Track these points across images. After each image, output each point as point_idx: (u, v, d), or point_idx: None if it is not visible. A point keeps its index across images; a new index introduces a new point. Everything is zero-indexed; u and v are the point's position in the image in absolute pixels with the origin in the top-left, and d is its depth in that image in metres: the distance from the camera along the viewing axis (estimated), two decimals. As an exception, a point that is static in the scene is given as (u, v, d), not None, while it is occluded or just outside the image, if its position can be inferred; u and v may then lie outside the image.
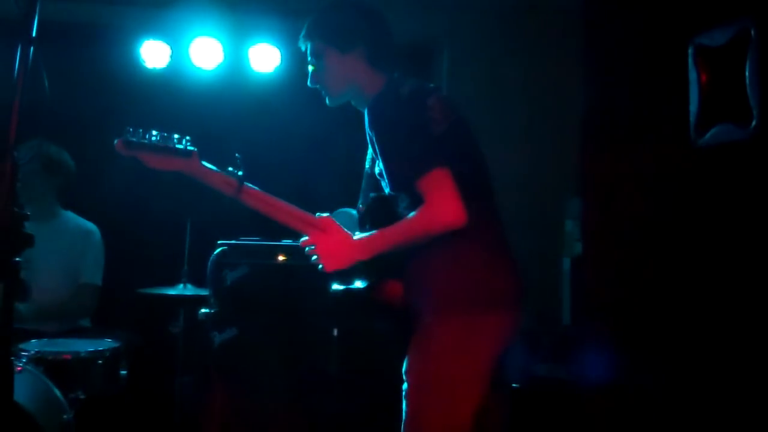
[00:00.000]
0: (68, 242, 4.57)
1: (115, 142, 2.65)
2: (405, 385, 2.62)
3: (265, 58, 5.16)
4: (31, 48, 2.14)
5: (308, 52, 2.88)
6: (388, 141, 2.60)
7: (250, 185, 2.78)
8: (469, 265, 2.60)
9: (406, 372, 2.62)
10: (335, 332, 4.02)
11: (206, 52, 5.07)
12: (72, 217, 4.66)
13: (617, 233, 2.74)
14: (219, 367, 4.10)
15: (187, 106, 4.93)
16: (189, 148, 2.72)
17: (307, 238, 2.77)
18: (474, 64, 5.45)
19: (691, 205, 2.43)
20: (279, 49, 5.16)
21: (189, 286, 4.31)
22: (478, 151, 2.76)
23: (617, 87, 2.78)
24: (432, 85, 2.79)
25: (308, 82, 2.91)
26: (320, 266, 2.73)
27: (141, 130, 2.66)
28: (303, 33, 2.88)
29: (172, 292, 4.28)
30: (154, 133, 2.68)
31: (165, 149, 2.69)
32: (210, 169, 2.76)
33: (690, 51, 2.39)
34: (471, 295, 2.58)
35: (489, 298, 2.59)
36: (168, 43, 5.03)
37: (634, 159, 2.67)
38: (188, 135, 2.76)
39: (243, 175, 2.76)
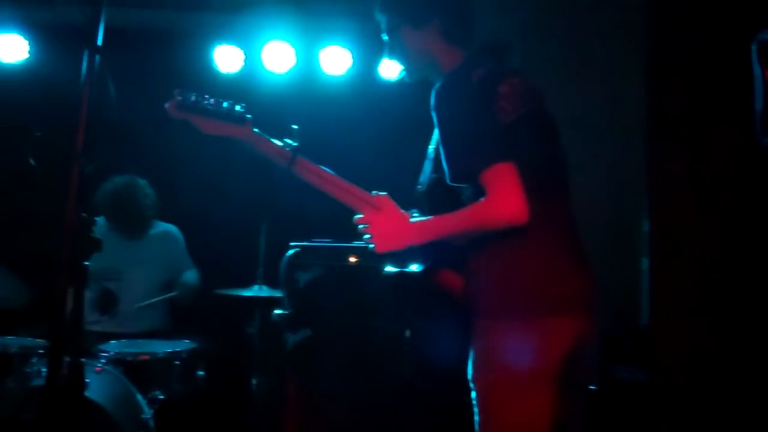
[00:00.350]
0: (156, 247, 4.73)
1: (166, 105, 2.60)
2: (473, 393, 2.53)
3: (337, 60, 5.17)
4: (97, 56, 2.17)
5: (382, 26, 2.75)
6: (449, 129, 2.48)
7: (305, 157, 2.68)
8: (529, 265, 2.47)
9: (472, 380, 2.53)
10: (408, 334, 3.96)
11: (278, 56, 5.12)
12: (155, 224, 4.81)
13: (682, 233, 2.65)
14: (293, 368, 4.08)
15: (260, 111, 4.89)
16: (244, 115, 2.67)
17: (361, 216, 2.66)
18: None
19: (757, 204, 2.34)
20: (350, 50, 5.17)
21: (264, 287, 4.36)
22: (552, 143, 2.58)
23: (681, 86, 2.70)
24: (514, 67, 2.61)
25: (385, 54, 2.80)
26: (371, 246, 2.61)
27: (195, 94, 2.61)
28: (378, 6, 2.74)
29: (247, 293, 4.32)
30: (207, 96, 2.62)
31: (219, 113, 2.62)
32: (264, 137, 2.70)
33: (754, 47, 2.28)
34: (530, 297, 2.46)
35: (550, 300, 2.45)
36: (241, 48, 5.09)
37: (698, 159, 2.59)
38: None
39: (298, 146, 2.67)
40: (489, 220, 2.42)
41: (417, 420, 3.85)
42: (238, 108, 2.64)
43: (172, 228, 4.83)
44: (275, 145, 2.69)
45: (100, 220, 4.64)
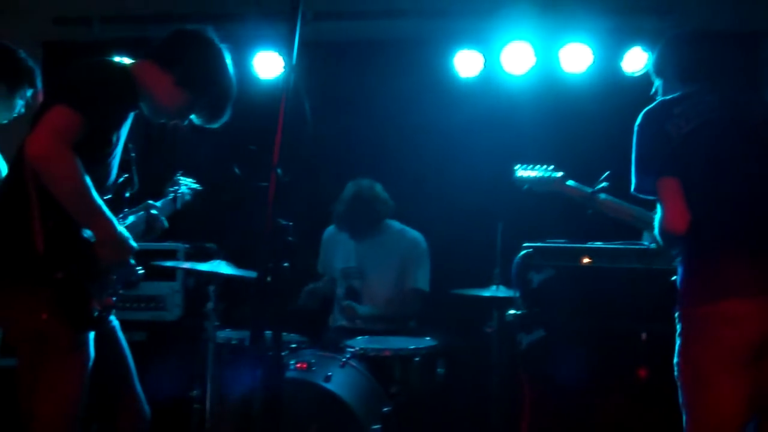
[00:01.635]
0: (397, 252, 4.87)
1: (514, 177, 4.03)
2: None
3: (577, 57, 5.09)
4: (292, 72, 2.40)
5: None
6: (634, 145, 2.86)
7: (603, 196, 3.71)
8: (693, 261, 2.76)
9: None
10: (644, 336, 3.87)
11: (518, 57, 5.12)
12: (398, 228, 4.95)
13: None
14: (527, 368, 4.11)
15: (500, 112, 5.03)
16: (554, 175, 3.95)
17: None
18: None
19: None
20: (591, 47, 5.07)
21: (501, 287, 4.37)
22: (721, 153, 2.78)
23: None
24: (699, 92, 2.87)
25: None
26: None
27: (526, 166, 3.98)
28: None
29: (485, 293, 4.36)
30: (532, 166, 3.99)
31: (542, 180, 3.96)
32: (571, 186, 3.88)
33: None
34: (695, 287, 2.73)
35: (713, 289, 2.68)
36: (480, 51, 5.15)
37: None
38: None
39: (598, 189, 3.74)
40: (659, 229, 2.80)
41: (651, 423, 3.76)
42: (550, 172, 3.94)
43: (418, 236, 4.93)
44: (578, 190, 3.87)
45: (330, 228, 4.96)
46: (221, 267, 3.90)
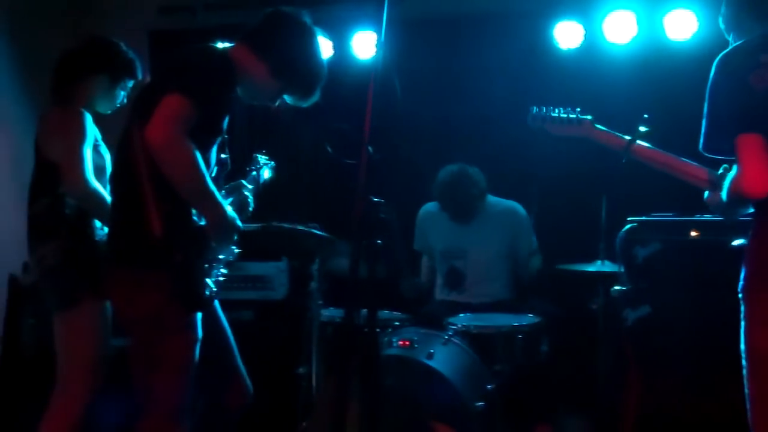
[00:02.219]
0: (500, 227, 4.85)
1: (527, 118, 3.32)
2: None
3: (682, 25, 4.93)
4: (379, 47, 2.37)
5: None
6: (707, 98, 2.60)
7: (642, 143, 3.08)
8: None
9: None
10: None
11: (620, 26, 4.99)
12: (495, 202, 4.92)
13: None
14: (633, 345, 4.03)
15: (603, 83, 4.87)
16: (581, 117, 3.25)
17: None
18: None
19: None
20: (695, 13, 4.90)
21: (606, 262, 4.29)
22: None
23: None
24: None
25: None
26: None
27: (543, 108, 3.33)
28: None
29: (590, 268, 4.31)
30: (551, 108, 3.33)
31: (562, 120, 3.30)
32: (602, 131, 3.22)
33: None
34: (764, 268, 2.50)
35: None
36: (581, 23, 5.04)
37: None
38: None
39: (637, 134, 3.11)
40: (733, 190, 2.51)
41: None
42: (576, 112, 3.28)
43: (514, 205, 4.92)
44: (612, 135, 3.18)
45: (432, 205, 4.95)
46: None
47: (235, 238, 2.86)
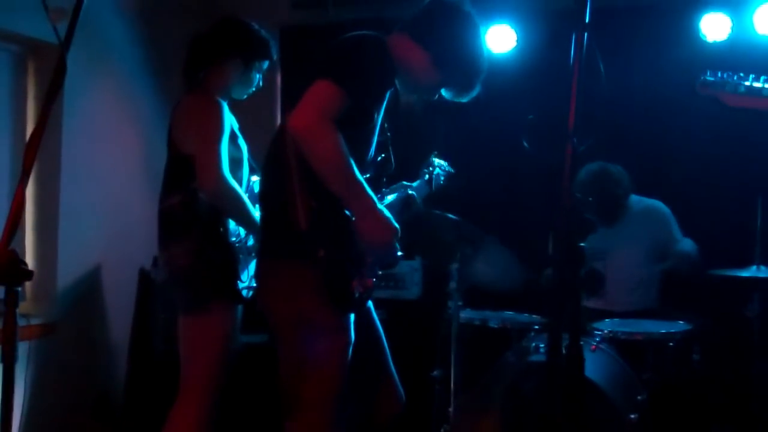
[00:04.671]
0: (644, 227, 4.60)
1: (696, 84, 2.88)
2: None
3: None
4: (586, 34, 2.13)
5: None
6: None
7: None
8: None
9: None
10: None
11: (772, 18, 4.65)
12: (636, 201, 4.67)
13: None
14: None
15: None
16: (767, 85, 2.83)
17: None
18: None
19: None
20: None
21: (763, 267, 4.01)
22: None
23: None
24: None
25: None
26: None
27: (719, 72, 2.88)
28: None
29: (744, 273, 4.02)
30: (731, 73, 2.88)
31: (744, 87, 2.87)
32: None
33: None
34: None
35: None
36: (728, 15, 4.76)
37: None
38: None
39: None
40: None
41: None
42: (762, 80, 2.84)
43: (656, 203, 4.65)
44: None
45: None
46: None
47: (394, 239, 2.64)
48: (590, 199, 4.15)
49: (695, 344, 4.03)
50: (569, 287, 2.10)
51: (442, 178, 3.53)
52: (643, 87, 4.75)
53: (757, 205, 4.07)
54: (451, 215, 3.65)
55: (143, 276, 4.71)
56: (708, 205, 4.76)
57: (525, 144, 3.18)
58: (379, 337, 2.98)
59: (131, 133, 5.13)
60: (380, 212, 2.57)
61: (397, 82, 2.80)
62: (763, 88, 2.90)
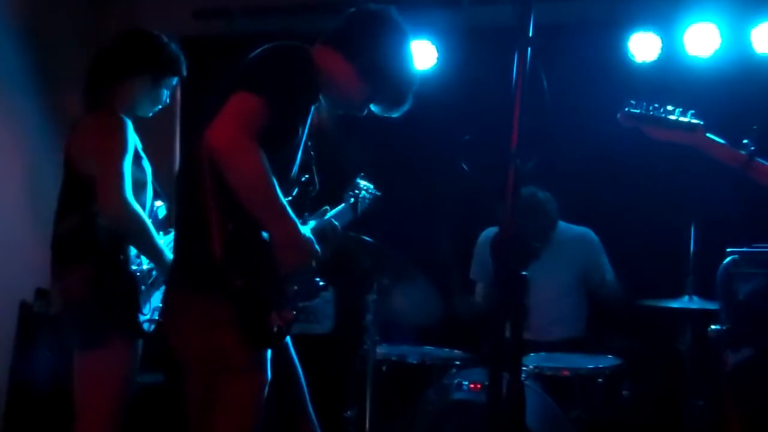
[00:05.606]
0: (569, 256, 4.51)
1: (618, 114, 2.98)
2: None
3: (772, 37, 4.56)
4: (529, 49, 2.09)
5: None
6: None
7: (762, 161, 2.82)
8: None
9: None
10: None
11: (702, 39, 4.69)
12: (564, 228, 4.57)
13: None
14: (733, 392, 3.71)
15: (683, 98, 4.39)
16: (694, 121, 2.95)
17: None
18: None
19: None
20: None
21: (695, 298, 3.98)
22: None
23: None
24: None
25: None
26: None
27: (644, 103, 2.97)
28: None
29: (676, 304, 3.99)
30: (656, 105, 2.97)
31: (669, 122, 2.96)
32: (716, 141, 2.95)
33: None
34: None
35: None
36: (657, 34, 4.75)
37: None
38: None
39: (754, 150, 2.84)
40: None
41: None
42: (689, 115, 2.98)
43: (585, 231, 4.56)
44: (729, 148, 2.96)
45: (489, 230, 4.63)
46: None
47: (313, 266, 2.58)
48: (530, 223, 4.18)
49: (625, 380, 3.93)
50: (511, 318, 2.06)
51: (368, 201, 3.41)
52: (570, 109, 4.66)
53: (690, 233, 4.03)
54: (368, 239, 3.54)
55: (24, 309, 4.49)
56: (638, 232, 4.70)
57: (463, 166, 3.11)
58: (297, 375, 2.88)
59: (13, 153, 4.88)
60: (303, 237, 2.48)
61: (322, 98, 2.69)
62: (689, 123, 2.94)
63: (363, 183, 3.40)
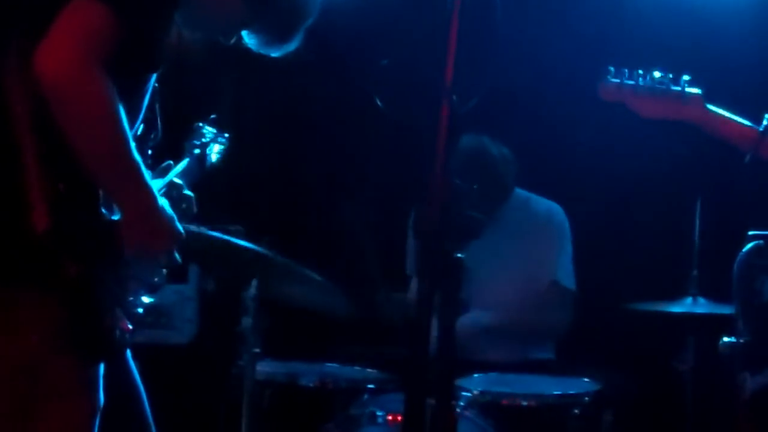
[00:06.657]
0: (521, 233, 4.14)
1: (597, 88, 2.89)
2: None
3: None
4: None
5: None
6: None
7: None
8: None
9: None
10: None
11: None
12: (523, 198, 4.18)
13: None
14: (753, 428, 3.29)
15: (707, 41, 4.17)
16: (688, 90, 2.84)
17: None
18: None
19: None
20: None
21: (701, 300, 3.68)
22: None
23: None
24: None
25: None
26: None
27: (626, 71, 2.86)
28: None
29: (675, 309, 3.69)
30: (641, 72, 2.86)
31: (660, 91, 2.83)
32: (721, 116, 2.85)
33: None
34: None
35: None
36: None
37: None
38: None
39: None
40: None
41: None
42: (681, 82, 2.82)
43: (552, 206, 4.17)
44: (738, 124, 2.84)
45: None
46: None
47: (175, 253, 2.35)
48: (475, 186, 3.59)
49: (607, 408, 3.53)
50: (441, 320, 1.76)
51: (217, 153, 3.15)
52: (548, 50, 4.31)
53: (695, 213, 3.77)
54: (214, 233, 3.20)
55: None
56: (626, 211, 4.43)
57: (377, 101, 2.82)
58: (139, 392, 2.62)
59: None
60: (162, 210, 2.26)
61: (179, 16, 2.44)
62: (682, 92, 2.78)
63: (207, 129, 3.15)
